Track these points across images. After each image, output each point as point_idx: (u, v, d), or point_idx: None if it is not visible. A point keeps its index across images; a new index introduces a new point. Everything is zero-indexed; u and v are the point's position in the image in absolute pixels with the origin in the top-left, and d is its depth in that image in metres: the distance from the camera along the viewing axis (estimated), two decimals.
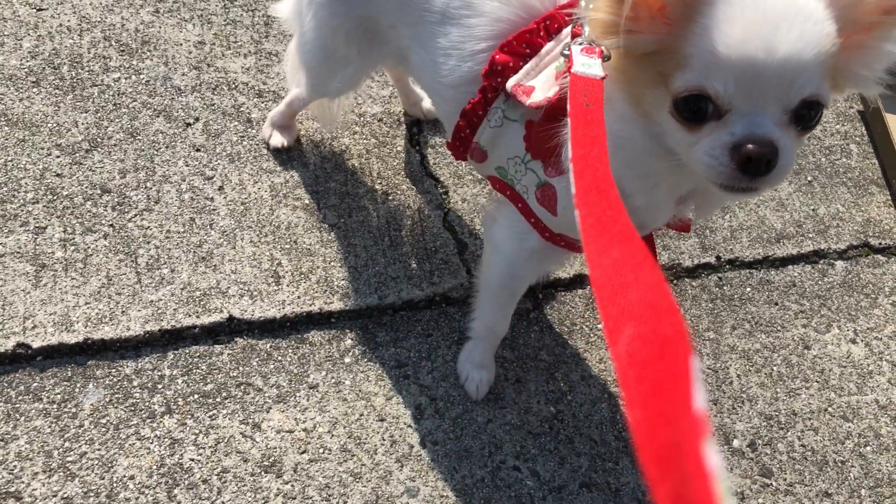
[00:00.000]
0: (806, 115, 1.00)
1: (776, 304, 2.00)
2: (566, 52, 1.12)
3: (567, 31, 1.23)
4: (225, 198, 1.90)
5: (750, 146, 0.97)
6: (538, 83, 1.23)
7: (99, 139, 1.93)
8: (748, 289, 2.01)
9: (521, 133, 1.29)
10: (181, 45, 2.15)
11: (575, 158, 0.82)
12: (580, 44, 1.10)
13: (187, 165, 1.93)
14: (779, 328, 1.95)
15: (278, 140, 1.97)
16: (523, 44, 1.25)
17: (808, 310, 2.00)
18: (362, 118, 2.10)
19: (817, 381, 1.88)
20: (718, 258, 2.04)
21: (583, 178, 0.78)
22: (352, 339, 1.75)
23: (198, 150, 1.96)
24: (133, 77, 2.06)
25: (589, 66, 1.05)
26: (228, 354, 1.70)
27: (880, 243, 2.17)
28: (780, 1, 0.97)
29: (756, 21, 0.95)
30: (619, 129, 1.11)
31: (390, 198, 1.99)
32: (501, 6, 1.27)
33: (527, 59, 1.24)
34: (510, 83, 1.23)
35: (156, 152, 1.94)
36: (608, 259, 0.67)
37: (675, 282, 1.99)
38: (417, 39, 1.36)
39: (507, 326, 1.68)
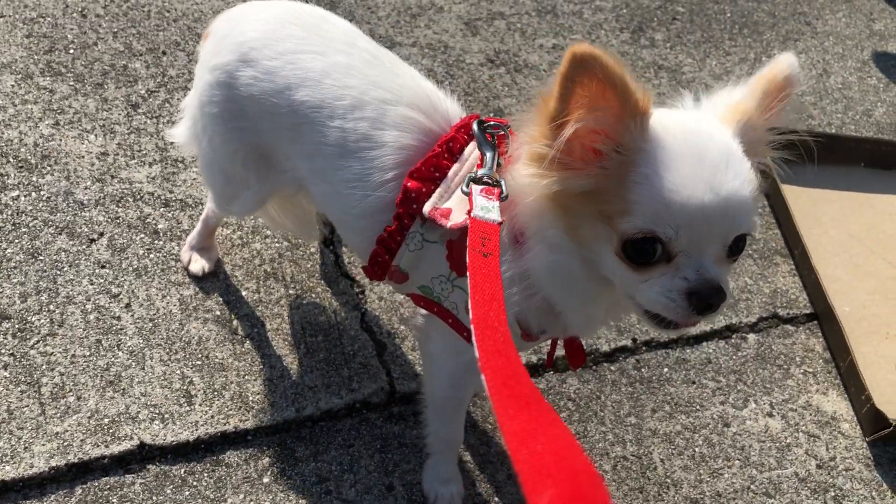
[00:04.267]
0: (739, 245, 1.10)
1: (693, 382, 2.03)
2: (466, 191, 1.15)
3: (469, 151, 1.26)
4: (132, 315, 1.85)
5: (707, 291, 1.06)
6: (453, 204, 1.25)
7: None
8: (665, 369, 2.04)
9: (443, 253, 1.29)
10: (83, 157, 2.11)
11: (475, 320, 0.84)
12: (482, 181, 1.14)
13: (92, 284, 1.88)
14: (698, 407, 1.98)
15: (198, 266, 1.92)
16: (431, 167, 1.27)
17: (724, 386, 2.04)
18: None
19: (738, 459, 1.90)
20: (634, 340, 2.07)
21: (485, 342, 0.80)
22: (270, 457, 1.70)
23: (103, 267, 1.91)
24: (33, 194, 2.01)
25: (488, 210, 1.09)
26: (141, 483, 1.63)
27: (788, 313, 2.24)
28: (711, 144, 1.05)
29: (696, 166, 1.02)
30: (553, 258, 1.16)
31: (305, 302, 1.96)
32: (402, 134, 1.29)
33: (437, 183, 1.26)
34: (427, 208, 1.24)
35: (59, 272, 1.88)
36: (518, 423, 0.69)
37: (594, 367, 2.00)
38: (316, 172, 1.36)
39: (461, 434, 1.66)
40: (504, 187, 1.15)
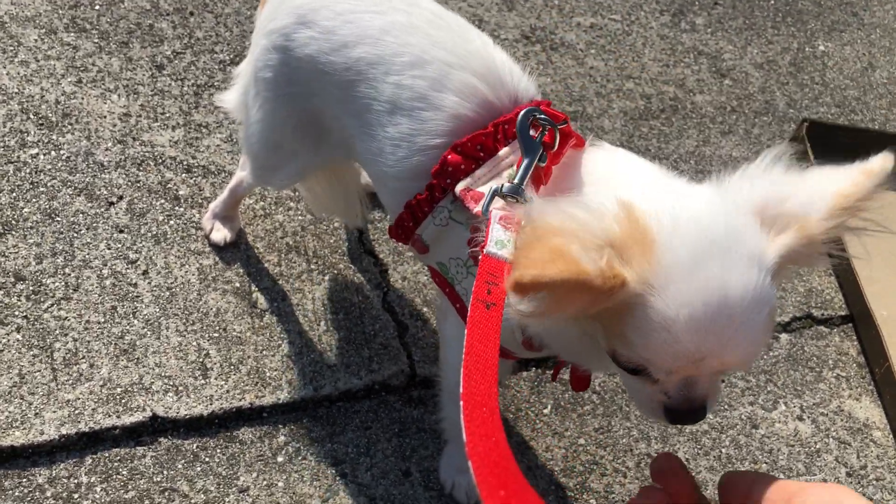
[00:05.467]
0: None
1: (723, 381, 1.96)
2: (487, 212, 1.07)
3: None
4: (149, 283, 1.80)
5: (685, 412, 1.01)
6: (487, 189, 1.14)
7: (13, 221, 1.81)
8: None
9: (465, 236, 1.20)
10: (105, 117, 2.05)
11: (465, 395, 0.79)
12: (507, 199, 1.07)
13: (109, 248, 1.83)
14: (726, 407, 1.92)
15: (220, 235, 1.86)
16: (477, 146, 1.19)
17: (754, 387, 1.97)
18: (297, 193, 2.02)
19: (766, 462, 1.84)
20: None
21: (473, 424, 0.77)
22: (285, 436, 1.66)
23: (121, 232, 1.86)
24: (52, 153, 1.95)
25: (503, 244, 0.99)
26: (152, 457, 1.59)
27: (822, 314, 2.17)
28: (730, 280, 0.90)
29: (705, 318, 0.89)
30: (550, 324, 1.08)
31: (326, 278, 1.91)
32: (461, 101, 1.22)
33: (479, 162, 1.18)
34: (459, 187, 1.17)
35: (75, 235, 1.83)
36: None
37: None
38: (364, 126, 1.30)
39: None
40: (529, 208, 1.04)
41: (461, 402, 0.78)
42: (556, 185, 1.16)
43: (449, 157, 1.19)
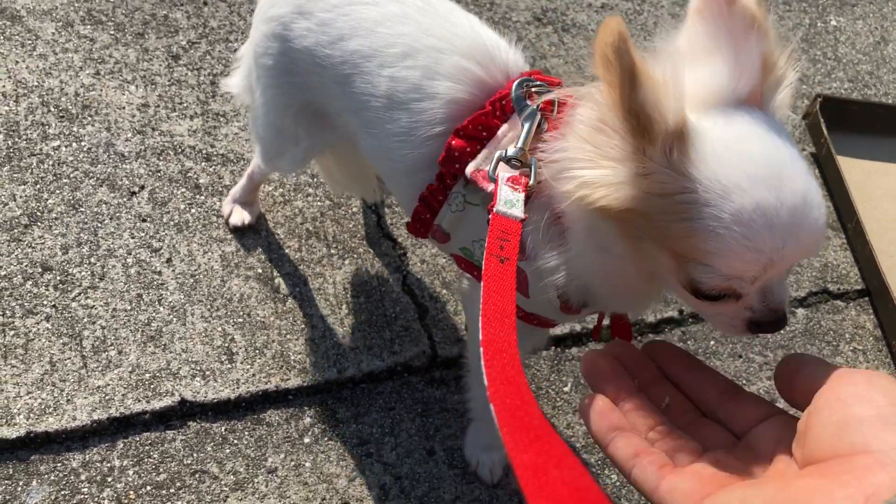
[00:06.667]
0: None
1: (741, 356, 1.98)
2: (493, 176, 1.08)
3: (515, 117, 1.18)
4: (173, 271, 1.83)
5: (769, 323, 0.98)
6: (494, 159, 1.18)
7: (39, 213, 1.85)
8: (712, 342, 1.99)
9: (484, 216, 1.21)
10: (124, 108, 2.07)
11: (484, 341, 0.79)
12: (510, 163, 1.07)
13: (133, 237, 1.86)
14: (745, 382, 1.93)
15: (239, 217, 1.89)
16: (479, 126, 1.19)
17: (772, 361, 1.99)
18: (315, 179, 2.05)
19: None
20: (681, 311, 2.02)
21: (493, 369, 0.76)
22: (311, 417, 1.69)
23: (144, 221, 1.89)
24: (74, 144, 1.98)
25: (512, 204, 1.01)
26: (182, 440, 1.63)
27: (838, 289, 2.18)
28: (784, 173, 0.88)
29: (775, 212, 0.86)
30: (603, 258, 1.05)
31: (347, 262, 1.93)
32: (454, 86, 1.22)
33: (483, 143, 1.19)
34: (469, 169, 1.18)
35: (99, 225, 1.86)
36: (529, 456, 0.67)
37: (639, 338, 1.96)
38: (365, 125, 1.31)
39: None
40: (534, 173, 1.06)
41: (481, 350, 0.79)
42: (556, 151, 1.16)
43: (453, 142, 1.19)
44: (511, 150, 1.11)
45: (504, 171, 1.09)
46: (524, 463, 0.66)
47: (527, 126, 1.13)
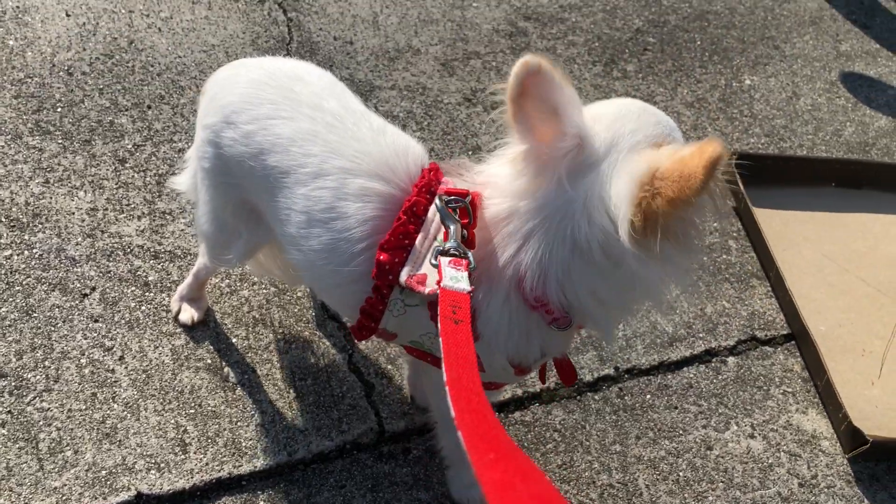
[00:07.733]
0: None
1: (676, 407, 2.08)
2: (434, 263, 1.20)
3: (432, 212, 1.28)
4: (126, 368, 1.90)
5: None
6: (427, 270, 1.26)
7: None
8: (648, 396, 2.09)
9: (426, 314, 1.32)
10: (73, 213, 2.17)
11: (450, 381, 0.89)
12: (448, 253, 1.19)
13: (86, 338, 1.93)
14: (681, 432, 2.03)
15: (188, 315, 1.98)
16: (399, 235, 1.27)
17: (706, 410, 2.09)
18: None
19: (722, 482, 1.95)
20: (617, 368, 2.13)
21: (459, 402, 0.85)
22: (264, 501, 1.75)
23: (96, 321, 1.97)
24: (25, 252, 2.06)
25: (457, 279, 1.14)
26: None
27: (766, 335, 2.30)
28: None
29: None
30: (645, 272, 1.18)
31: (293, 346, 2.02)
32: (364, 206, 1.30)
33: (407, 250, 1.27)
34: (403, 277, 1.25)
35: (53, 328, 1.94)
36: (496, 473, 0.73)
37: (578, 397, 2.05)
38: (288, 238, 1.38)
39: None
40: (472, 259, 1.19)
41: (447, 388, 0.88)
42: (483, 248, 1.27)
43: (381, 257, 1.27)
44: (448, 245, 1.21)
45: (443, 258, 1.20)
46: (492, 480, 0.72)
47: (452, 227, 1.23)
